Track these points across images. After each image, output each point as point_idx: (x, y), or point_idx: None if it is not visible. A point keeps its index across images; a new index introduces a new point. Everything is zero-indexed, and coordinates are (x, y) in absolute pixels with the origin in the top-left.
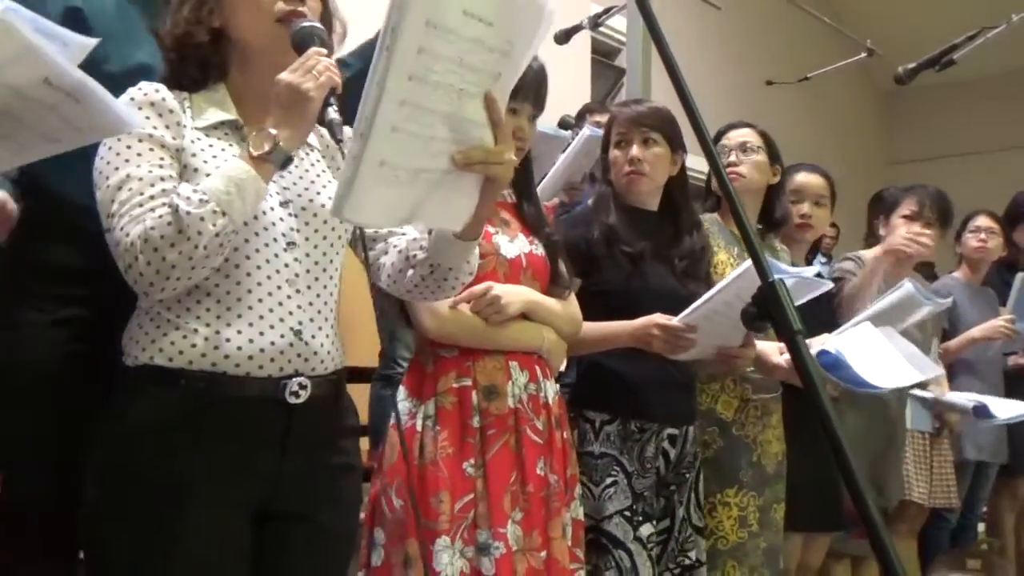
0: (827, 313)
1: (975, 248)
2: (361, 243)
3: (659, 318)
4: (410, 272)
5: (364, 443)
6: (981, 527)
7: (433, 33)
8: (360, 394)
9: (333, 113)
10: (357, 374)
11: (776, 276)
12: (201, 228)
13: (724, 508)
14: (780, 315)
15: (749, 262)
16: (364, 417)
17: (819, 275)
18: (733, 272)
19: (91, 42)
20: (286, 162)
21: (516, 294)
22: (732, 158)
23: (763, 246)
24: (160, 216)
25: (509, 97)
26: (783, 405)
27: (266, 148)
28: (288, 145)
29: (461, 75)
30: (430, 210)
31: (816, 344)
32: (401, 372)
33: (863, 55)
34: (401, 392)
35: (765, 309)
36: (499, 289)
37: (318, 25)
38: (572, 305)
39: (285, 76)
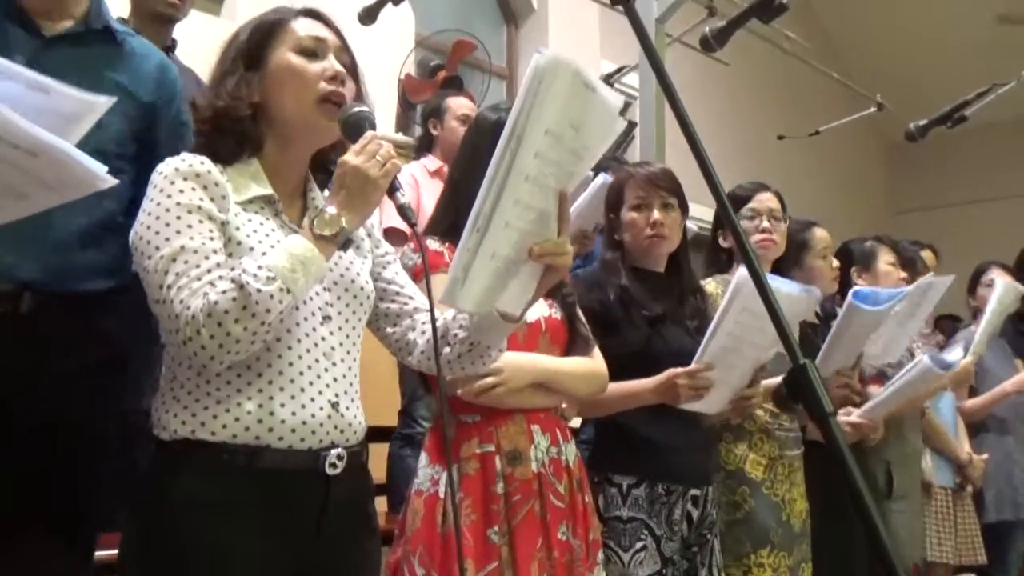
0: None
1: None
2: (377, 324)
3: (676, 370)
4: (447, 349)
5: (380, 503)
6: None
7: (548, 140)
8: (379, 453)
9: (402, 198)
10: (376, 433)
11: (805, 360)
12: (270, 305)
13: (759, 569)
14: (812, 397)
15: (739, 275)
16: (382, 476)
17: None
18: (727, 293)
19: (100, 100)
20: (346, 244)
21: (525, 371)
22: (766, 224)
23: None
24: (224, 291)
25: None
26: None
27: (334, 231)
28: (350, 227)
29: (556, 176)
30: (505, 296)
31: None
32: (421, 432)
33: (873, 109)
34: (423, 459)
35: (796, 391)
36: (508, 365)
37: (367, 109)
38: (597, 362)
39: (352, 160)
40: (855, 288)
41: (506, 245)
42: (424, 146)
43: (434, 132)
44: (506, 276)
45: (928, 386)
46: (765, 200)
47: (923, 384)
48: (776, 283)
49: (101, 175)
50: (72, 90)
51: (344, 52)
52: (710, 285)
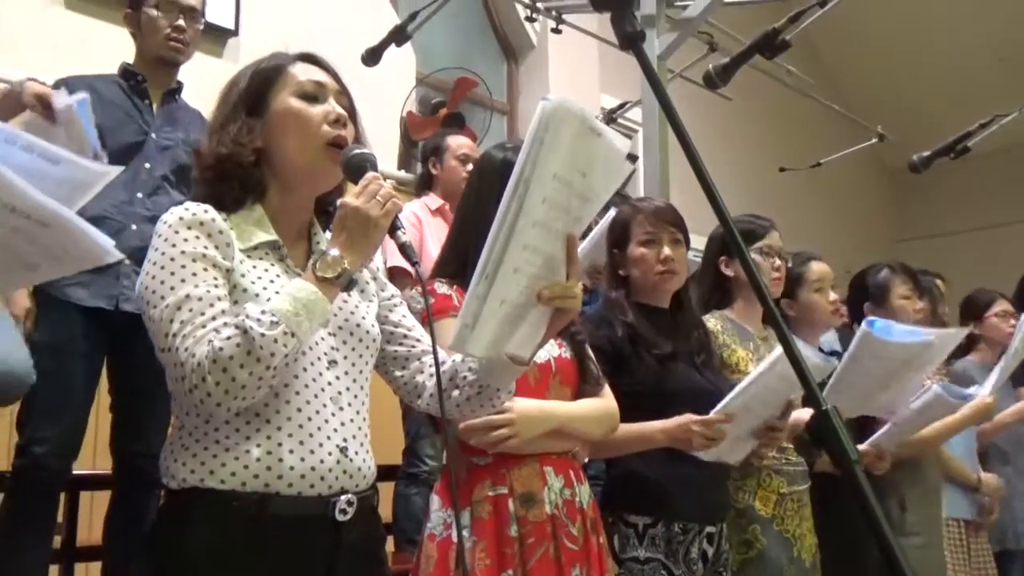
0: None
1: (1006, 333)
2: (385, 367)
3: (692, 417)
4: (455, 392)
5: (387, 543)
6: None
7: (556, 185)
8: (384, 492)
9: (404, 236)
10: (382, 472)
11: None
12: (274, 350)
13: None
14: (836, 444)
15: (780, 349)
16: (387, 514)
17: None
18: (768, 358)
19: (111, 169)
20: (349, 285)
21: (538, 421)
22: (777, 262)
23: (766, 342)
24: (228, 337)
25: None
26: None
27: (336, 272)
28: (353, 268)
29: (564, 220)
30: (514, 340)
31: None
32: (426, 470)
33: (874, 140)
34: (435, 502)
35: (820, 437)
36: (521, 415)
37: (368, 151)
38: (608, 400)
39: (352, 201)
40: (871, 317)
41: (515, 290)
42: (425, 184)
43: (434, 171)
44: (515, 320)
45: (940, 414)
46: (777, 238)
47: (934, 412)
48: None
49: (108, 249)
50: (83, 160)
51: (343, 95)
52: (710, 321)
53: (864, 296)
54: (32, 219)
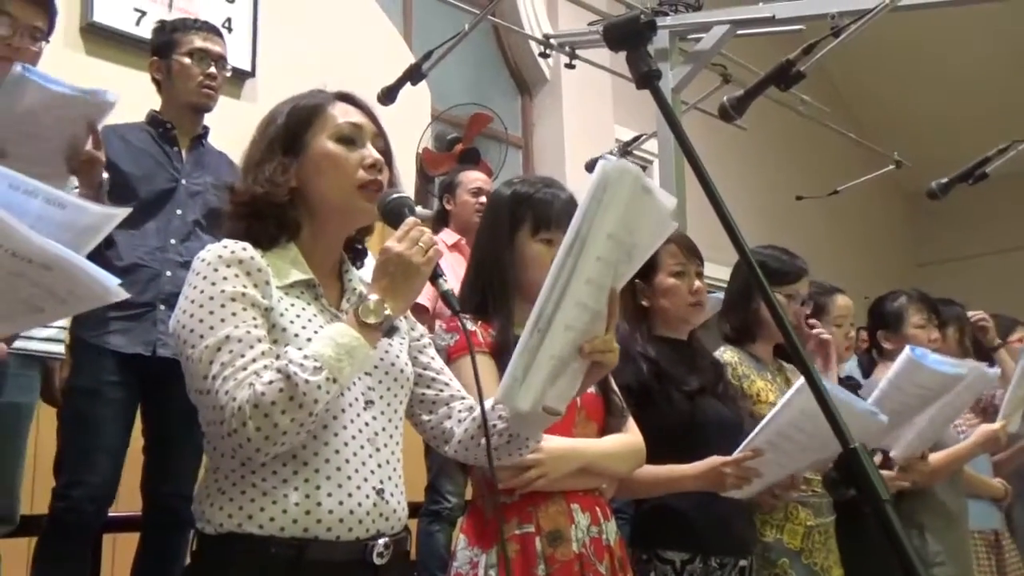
0: None
1: None
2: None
3: (720, 459)
4: (484, 441)
5: None
6: None
7: (609, 244)
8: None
9: (445, 284)
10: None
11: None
12: (317, 396)
13: None
14: (865, 483)
15: (799, 384)
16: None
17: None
18: (791, 389)
19: (116, 212)
20: (390, 331)
21: (567, 460)
22: (802, 308)
23: (781, 372)
24: (270, 381)
25: (544, 228)
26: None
27: (379, 318)
28: (395, 314)
29: (610, 276)
30: (553, 392)
31: None
32: (448, 507)
33: (891, 167)
34: (461, 541)
35: (849, 476)
36: (550, 455)
37: (406, 195)
38: (634, 436)
39: (394, 247)
40: (912, 346)
41: (564, 345)
42: (441, 220)
43: (448, 207)
44: (558, 374)
45: (923, 383)
46: (807, 284)
47: (912, 379)
48: (841, 395)
49: (112, 288)
50: (87, 204)
51: (379, 137)
52: (726, 354)
53: (880, 323)
54: (35, 263)
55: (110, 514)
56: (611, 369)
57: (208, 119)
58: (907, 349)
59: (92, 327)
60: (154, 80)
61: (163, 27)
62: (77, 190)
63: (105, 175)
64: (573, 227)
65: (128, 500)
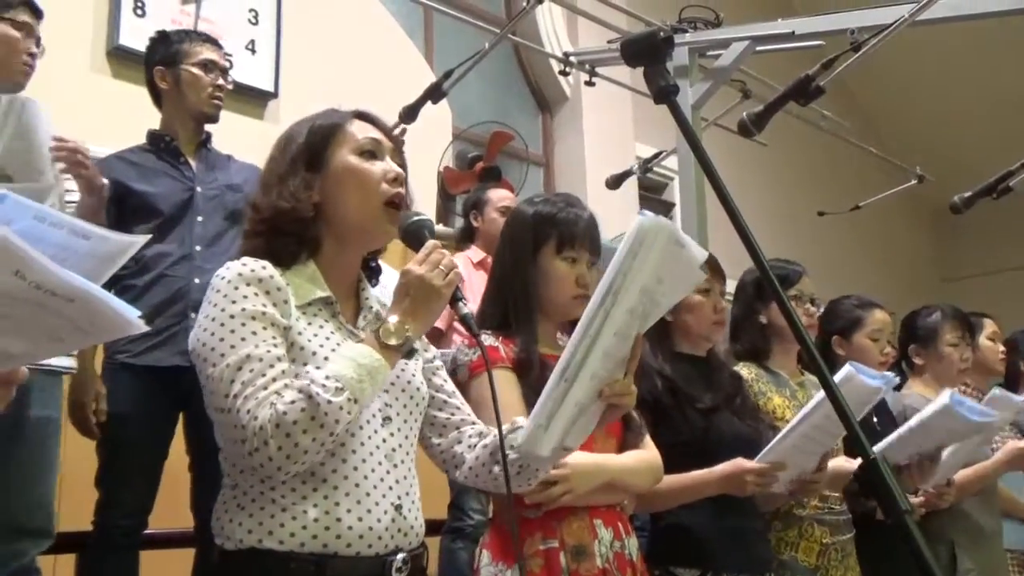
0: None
1: None
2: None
3: (745, 463)
4: (495, 468)
5: None
6: None
7: (641, 297)
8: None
9: (465, 308)
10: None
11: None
12: (338, 416)
13: None
14: (885, 494)
15: (823, 393)
16: (433, 570)
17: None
18: (811, 402)
19: (136, 239)
20: (410, 352)
21: (591, 476)
22: (812, 309)
23: (803, 388)
24: (292, 401)
25: (568, 247)
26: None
27: (400, 340)
28: (415, 336)
29: (637, 325)
30: (571, 432)
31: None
32: (472, 524)
33: (914, 182)
34: (485, 556)
35: (868, 486)
36: (575, 470)
37: (426, 216)
38: (652, 452)
39: (416, 269)
40: (953, 391)
41: (588, 392)
42: (467, 237)
43: (475, 224)
44: (577, 417)
45: (953, 429)
46: (808, 284)
47: (944, 426)
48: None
49: (133, 320)
50: (111, 233)
51: (397, 153)
52: (744, 370)
53: (913, 338)
54: (57, 295)
55: (155, 531)
56: (628, 411)
57: (230, 139)
58: (946, 394)
59: (124, 345)
60: (153, 90)
61: (166, 37)
62: (73, 205)
63: (105, 181)
64: (606, 280)
65: (168, 517)
